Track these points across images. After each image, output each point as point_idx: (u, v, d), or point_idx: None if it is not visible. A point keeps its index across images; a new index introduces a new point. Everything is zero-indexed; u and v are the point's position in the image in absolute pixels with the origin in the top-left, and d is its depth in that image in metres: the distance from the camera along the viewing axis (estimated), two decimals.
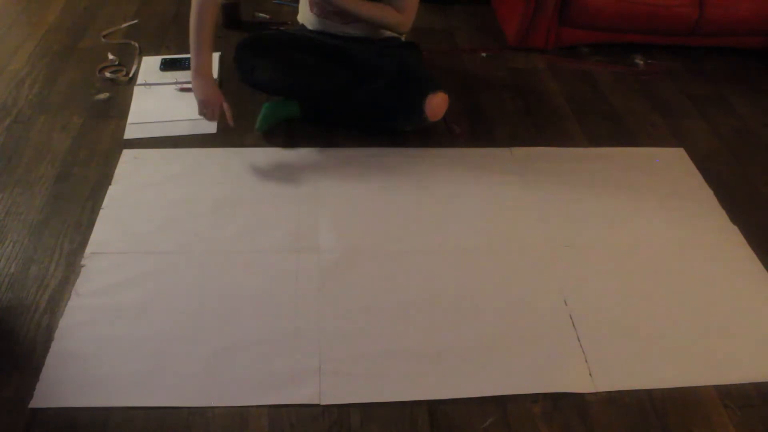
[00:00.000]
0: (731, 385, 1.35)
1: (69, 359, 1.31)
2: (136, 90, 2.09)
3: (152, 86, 2.11)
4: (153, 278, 1.48)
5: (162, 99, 2.06)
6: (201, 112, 1.77)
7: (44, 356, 1.31)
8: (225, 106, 1.76)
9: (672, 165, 1.95)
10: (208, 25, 1.70)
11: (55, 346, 1.33)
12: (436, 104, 1.81)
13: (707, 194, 1.84)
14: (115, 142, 1.87)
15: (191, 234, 1.60)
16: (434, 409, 1.28)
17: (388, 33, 1.95)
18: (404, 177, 1.82)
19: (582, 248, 1.64)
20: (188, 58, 2.17)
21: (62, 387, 1.26)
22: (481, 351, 1.38)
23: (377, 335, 1.40)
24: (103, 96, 2.06)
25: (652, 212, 1.76)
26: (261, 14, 2.51)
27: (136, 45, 2.32)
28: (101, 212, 1.64)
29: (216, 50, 2.26)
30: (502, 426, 1.25)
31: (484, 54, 2.43)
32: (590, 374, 1.35)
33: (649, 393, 1.33)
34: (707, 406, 1.31)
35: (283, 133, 1.93)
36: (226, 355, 1.34)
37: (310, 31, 1.96)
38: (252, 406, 1.26)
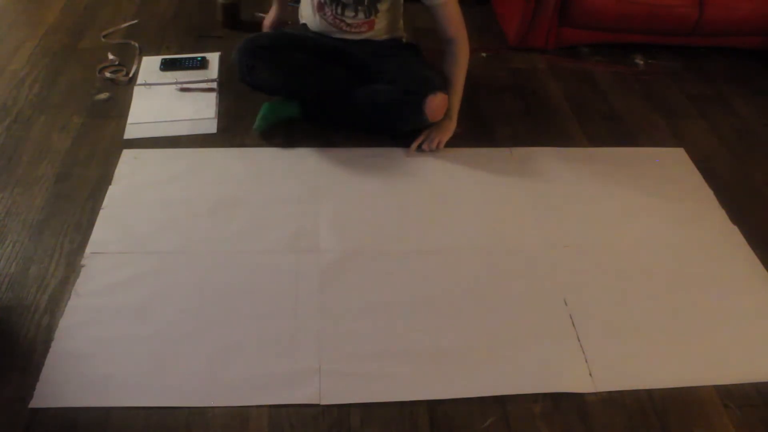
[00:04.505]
0: (731, 385, 1.35)
1: (69, 359, 1.31)
2: (136, 90, 2.09)
3: (152, 86, 2.11)
4: (153, 278, 1.48)
5: (162, 99, 2.05)
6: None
7: (44, 356, 1.31)
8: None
9: (672, 165, 1.95)
10: None
11: (55, 346, 1.33)
12: (436, 104, 1.81)
13: (707, 194, 1.84)
14: (115, 142, 1.87)
15: (191, 234, 1.60)
16: (434, 409, 1.28)
17: (388, 35, 1.95)
18: (404, 177, 1.82)
19: (582, 248, 1.64)
20: (188, 58, 2.21)
21: (62, 387, 1.26)
22: (481, 351, 1.38)
23: (377, 335, 1.40)
24: (103, 96, 2.06)
25: (652, 212, 1.76)
26: (261, 14, 2.50)
27: (136, 45, 2.32)
28: (101, 212, 1.64)
29: (216, 50, 2.28)
30: (502, 426, 1.25)
31: (484, 54, 2.43)
32: (590, 374, 1.35)
33: (649, 393, 1.33)
34: (707, 406, 1.32)
35: (283, 133, 1.93)
36: (226, 355, 1.34)
37: (311, 31, 1.96)
38: (252, 406, 1.26)
